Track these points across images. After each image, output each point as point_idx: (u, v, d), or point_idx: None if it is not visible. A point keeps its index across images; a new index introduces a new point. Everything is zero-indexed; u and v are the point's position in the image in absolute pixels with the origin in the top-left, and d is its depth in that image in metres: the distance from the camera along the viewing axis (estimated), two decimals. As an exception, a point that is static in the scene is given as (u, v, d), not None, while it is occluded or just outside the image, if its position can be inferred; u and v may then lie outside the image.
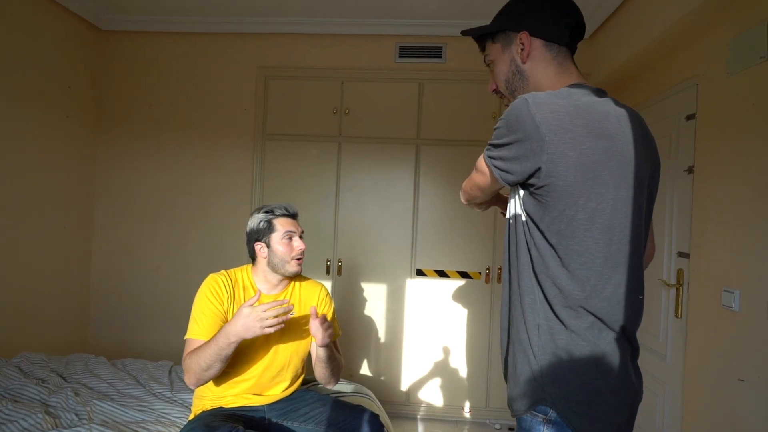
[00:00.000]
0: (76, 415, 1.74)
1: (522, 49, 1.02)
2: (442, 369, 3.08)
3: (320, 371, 1.67)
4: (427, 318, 3.09)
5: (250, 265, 1.73)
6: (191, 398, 1.90)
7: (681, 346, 2.16)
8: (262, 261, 1.67)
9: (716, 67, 1.94)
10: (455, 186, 2.86)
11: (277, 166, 3.15)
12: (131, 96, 3.20)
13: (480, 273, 3.05)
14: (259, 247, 1.66)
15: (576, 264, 0.90)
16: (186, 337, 1.56)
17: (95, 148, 3.19)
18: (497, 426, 2.99)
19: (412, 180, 3.10)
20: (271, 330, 1.40)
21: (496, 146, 0.94)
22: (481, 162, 1.00)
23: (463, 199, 1.17)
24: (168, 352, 3.01)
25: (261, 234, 1.65)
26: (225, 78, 3.16)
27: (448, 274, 3.07)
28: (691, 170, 2.12)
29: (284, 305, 1.42)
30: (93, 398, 1.86)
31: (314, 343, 1.66)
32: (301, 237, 1.69)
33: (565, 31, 1.01)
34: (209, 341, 1.45)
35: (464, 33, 1.12)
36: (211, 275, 1.65)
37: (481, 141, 3.02)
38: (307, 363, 1.80)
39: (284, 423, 1.65)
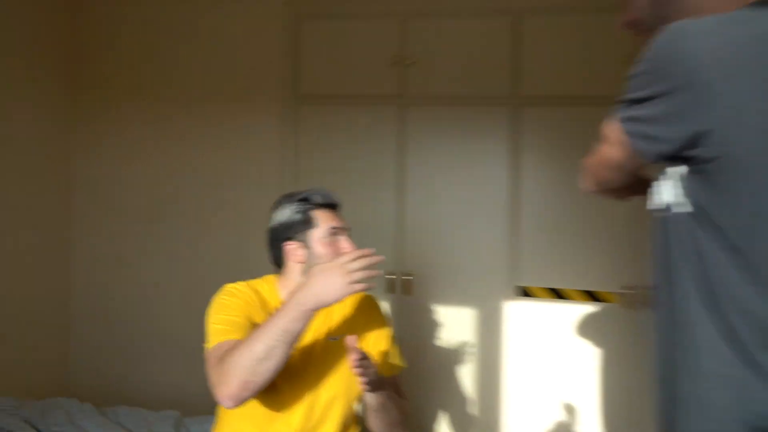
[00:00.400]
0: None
1: None
2: (564, 428, 3.00)
3: (373, 422, 1.66)
4: (537, 358, 3.01)
5: (273, 276, 1.75)
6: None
7: None
8: (295, 268, 1.66)
9: None
10: (575, 163, 2.75)
11: (315, 140, 3.18)
12: (117, 51, 3.33)
13: (617, 294, 2.94)
14: (293, 248, 1.65)
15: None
16: (211, 344, 1.52)
17: (71, 121, 3.33)
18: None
19: (508, 157, 3.05)
20: (360, 288, 1.40)
21: (633, 102, 0.93)
22: (612, 128, 0.99)
23: (587, 185, 1.16)
24: (174, 398, 3.07)
25: (295, 230, 1.65)
26: (242, 21, 3.23)
27: (567, 294, 2.99)
28: None
29: (374, 254, 1.44)
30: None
31: None
32: (349, 236, 1.70)
33: None
34: (265, 322, 1.43)
35: None
36: (227, 285, 1.67)
37: (611, 98, 2.91)
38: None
39: None
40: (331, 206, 1.71)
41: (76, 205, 3.35)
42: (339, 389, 1.68)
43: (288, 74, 3.19)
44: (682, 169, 0.93)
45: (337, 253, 1.60)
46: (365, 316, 1.78)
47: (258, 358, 1.35)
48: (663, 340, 1.01)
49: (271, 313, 1.54)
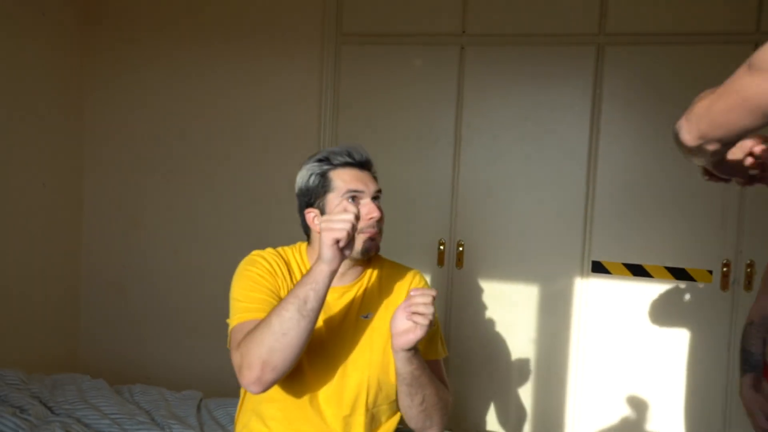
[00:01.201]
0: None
1: None
2: (639, 428, 2.96)
3: (405, 404, 1.61)
4: (613, 343, 2.98)
5: (304, 244, 1.76)
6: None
7: None
8: (317, 237, 1.63)
9: None
10: (667, 119, 2.61)
11: (359, 86, 3.18)
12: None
13: (711, 272, 2.87)
14: (312, 216, 1.65)
15: None
16: (233, 323, 1.55)
17: (83, 59, 3.31)
18: None
19: (587, 109, 3.00)
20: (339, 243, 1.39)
21: None
22: None
23: (687, 137, 1.04)
24: (195, 376, 3.11)
25: (313, 195, 1.65)
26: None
27: (651, 272, 2.93)
28: None
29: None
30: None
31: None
32: (376, 198, 1.65)
33: None
34: (292, 291, 1.44)
35: None
36: (254, 251, 1.69)
37: (728, 34, 2.87)
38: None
39: None
40: (355, 164, 1.66)
41: (89, 162, 3.36)
42: (372, 372, 1.65)
43: (329, 9, 3.15)
44: None
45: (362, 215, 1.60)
46: (405, 288, 1.73)
47: (276, 334, 1.38)
48: None
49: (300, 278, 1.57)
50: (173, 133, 3.29)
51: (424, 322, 1.39)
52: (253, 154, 3.23)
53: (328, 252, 1.37)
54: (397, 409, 1.75)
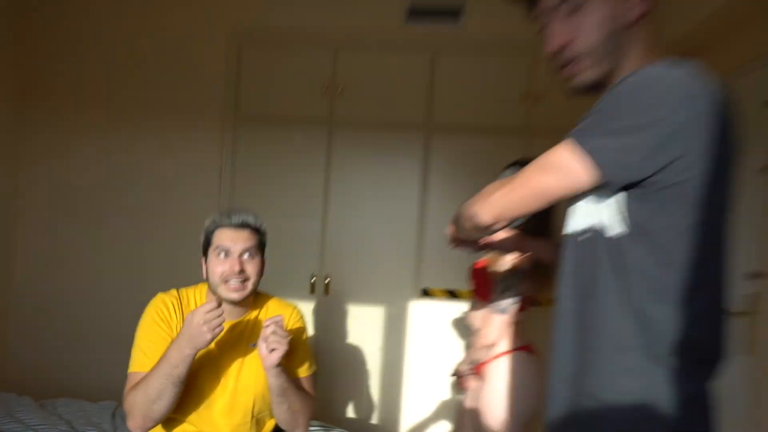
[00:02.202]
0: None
1: (632, 5, 0.97)
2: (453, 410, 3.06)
3: (276, 410, 1.61)
4: (435, 348, 3.10)
5: (206, 285, 1.71)
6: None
7: (749, 389, 2.20)
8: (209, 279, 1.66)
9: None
10: (476, 185, 2.84)
11: (252, 156, 3.16)
12: (64, 62, 3.18)
13: None
14: (202, 263, 1.66)
15: (694, 286, 0.90)
16: (130, 370, 1.56)
17: (18, 127, 3.16)
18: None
19: (419, 177, 3.11)
20: (218, 332, 1.42)
21: (609, 132, 0.88)
22: (562, 157, 0.92)
23: (484, 217, 1.05)
24: (111, 389, 2.92)
25: (204, 247, 1.66)
26: (188, 43, 3.16)
27: (460, 295, 3.05)
28: (766, 170, 2.17)
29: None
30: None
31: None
32: (246, 255, 1.62)
33: None
34: (158, 364, 1.46)
35: None
36: (159, 295, 1.67)
37: (508, 128, 3.06)
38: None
39: None
40: (232, 226, 1.64)
41: (22, 206, 3.19)
42: (258, 389, 1.65)
43: (229, 95, 3.15)
44: (622, 196, 0.92)
45: (215, 269, 1.59)
46: (285, 319, 1.70)
47: (151, 399, 1.44)
48: (571, 343, 1.00)
49: None
50: (98, 186, 3.16)
51: (277, 345, 1.43)
52: (165, 207, 3.15)
53: (202, 344, 1.41)
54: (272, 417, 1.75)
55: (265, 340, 1.44)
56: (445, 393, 3.09)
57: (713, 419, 0.93)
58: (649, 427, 0.91)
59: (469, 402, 2.07)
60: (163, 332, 1.58)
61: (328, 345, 3.13)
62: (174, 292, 1.68)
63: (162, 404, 1.45)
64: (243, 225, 1.65)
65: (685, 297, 0.89)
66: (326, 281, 3.12)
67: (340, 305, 3.15)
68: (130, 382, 1.53)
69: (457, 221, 1.15)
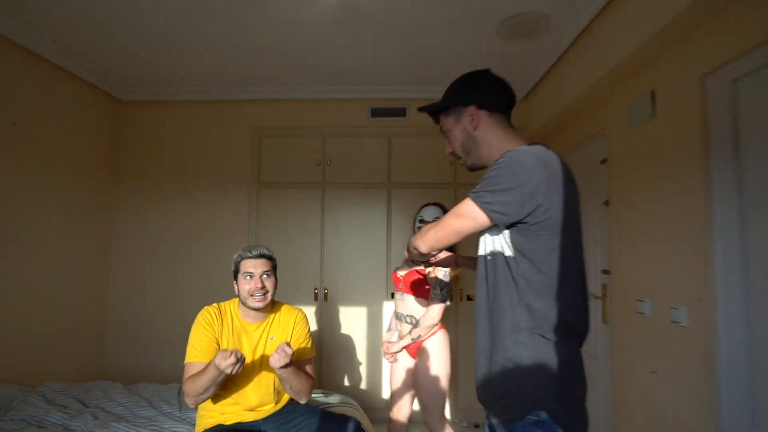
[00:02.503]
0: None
1: (472, 119, 1.08)
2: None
3: (284, 387, 1.61)
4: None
5: (237, 299, 1.71)
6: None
7: (609, 347, 2.24)
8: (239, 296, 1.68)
9: (620, 122, 2.10)
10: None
11: (271, 209, 3.16)
12: (144, 155, 3.23)
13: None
14: (234, 284, 1.67)
15: (560, 284, 0.92)
16: (186, 361, 1.56)
17: (114, 200, 3.19)
18: (464, 424, 3.01)
19: (385, 218, 3.15)
20: (231, 370, 1.38)
21: (493, 192, 0.92)
22: (468, 208, 0.96)
23: (423, 249, 1.08)
24: (177, 376, 2.93)
25: (234, 273, 1.66)
26: (225, 137, 3.22)
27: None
28: (607, 203, 2.25)
29: (238, 356, 1.41)
30: (110, 421, 1.84)
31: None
32: (265, 276, 1.62)
33: (503, 102, 1.09)
34: (204, 371, 1.44)
35: (420, 110, 1.18)
36: (205, 308, 1.65)
37: (442, 183, 3.14)
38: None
39: None
40: (252, 257, 1.64)
41: (114, 253, 3.18)
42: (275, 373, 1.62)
43: (254, 169, 3.19)
44: (507, 231, 0.95)
45: (244, 288, 1.60)
46: (292, 321, 1.74)
47: (198, 392, 1.46)
48: (485, 330, 1.00)
49: (232, 323, 1.65)
50: (167, 238, 3.15)
51: (284, 359, 1.45)
52: (212, 250, 3.13)
53: (223, 372, 1.38)
54: None
55: (278, 353, 1.47)
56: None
57: (582, 373, 0.97)
58: (537, 380, 0.92)
59: (403, 368, 2.07)
60: (208, 333, 1.59)
61: (329, 336, 3.11)
62: (215, 305, 1.68)
63: (206, 395, 1.48)
64: (261, 255, 1.66)
65: (556, 294, 0.93)
66: (325, 291, 3.12)
67: (335, 308, 3.14)
68: (187, 370, 1.53)
69: (408, 250, 1.19)
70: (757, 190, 1.42)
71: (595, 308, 2.39)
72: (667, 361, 1.75)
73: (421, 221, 2.05)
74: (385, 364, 3.08)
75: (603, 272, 2.32)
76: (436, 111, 1.17)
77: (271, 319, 1.71)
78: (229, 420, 1.61)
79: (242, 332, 1.65)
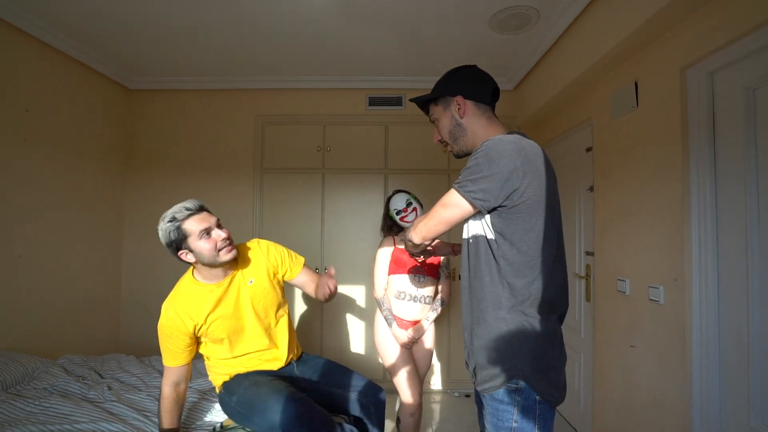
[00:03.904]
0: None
1: (459, 108, 1.09)
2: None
3: (320, 294, 1.53)
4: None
5: (189, 272, 1.44)
6: (206, 383, 1.93)
7: (591, 323, 2.28)
8: (196, 265, 1.39)
9: (605, 112, 2.11)
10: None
11: (273, 193, 3.16)
12: (153, 141, 3.21)
13: None
14: (185, 254, 1.34)
15: (539, 263, 0.94)
16: (165, 364, 1.40)
17: (124, 185, 3.18)
18: (456, 394, 3.07)
19: (382, 202, 3.12)
20: None
21: (474, 180, 0.93)
22: (454, 198, 0.97)
23: (417, 240, 1.08)
24: None
25: (178, 243, 1.32)
26: (230, 125, 3.19)
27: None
28: (591, 189, 2.27)
29: None
30: (124, 391, 1.86)
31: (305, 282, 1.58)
32: (219, 226, 1.35)
33: (487, 94, 1.10)
34: (167, 419, 1.34)
35: (412, 101, 1.19)
36: (166, 308, 1.38)
37: (436, 170, 3.12)
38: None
39: (303, 376, 1.55)
40: (195, 211, 1.34)
41: (126, 235, 3.18)
42: (271, 311, 1.51)
43: (257, 156, 3.18)
44: (488, 215, 0.97)
45: (214, 243, 1.32)
46: (261, 254, 1.52)
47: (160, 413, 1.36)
48: (469, 306, 1.03)
49: (208, 300, 1.40)
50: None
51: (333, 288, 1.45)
52: None
53: None
54: (284, 310, 1.60)
55: (328, 280, 1.46)
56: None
57: (560, 347, 0.99)
58: (516, 353, 0.94)
59: (412, 339, 1.96)
60: (174, 339, 1.38)
61: (331, 309, 3.13)
62: (174, 307, 1.39)
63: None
64: (201, 208, 1.38)
65: (535, 272, 0.94)
66: (326, 269, 3.09)
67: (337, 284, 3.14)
68: (164, 372, 1.38)
69: (405, 245, 1.19)
70: (730, 178, 1.43)
71: (579, 287, 2.42)
72: (644, 336, 1.79)
73: (397, 212, 1.98)
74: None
75: (587, 254, 2.34)
76: (426, 102, 1.18)
77: (238, 268, 1.48)
78: (253, 367, 1.50)
79: (215, 303, 1.41)
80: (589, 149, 2.31)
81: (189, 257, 1.35)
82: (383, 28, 2.34)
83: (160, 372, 2.13)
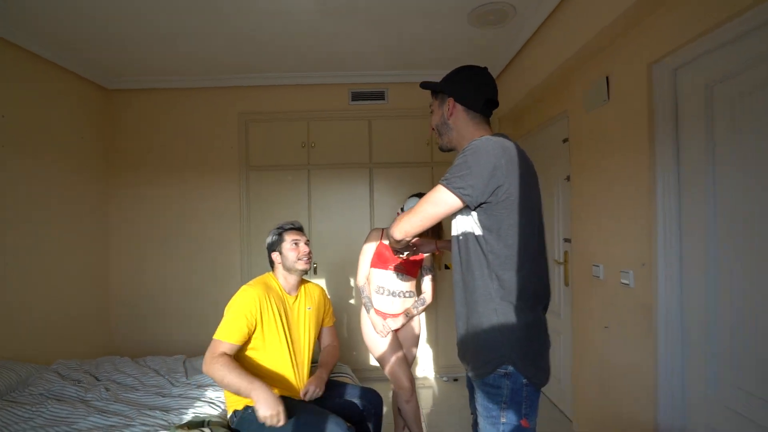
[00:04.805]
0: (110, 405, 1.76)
1: (448, 109, 1.13)
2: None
3: (322, 354, 1.74)
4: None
5: (270, 273, 1.70)
6: (204, 379, 1.97)
7: (569, 306, 2.38)
8: (278, 266, 1.66)
9: (580, 105, 2.17)
10: (402, 196, 3.01)
11: (260, 190, 3.16)
12: (135, 142, 3.16)
13: None
14: (275, 255, 1.66)
15: (525, 257, 0.97)
16: (215, 336, 1.43)
17: (108, 186, 3.14)
18: (445, 378, 3.16)
19: (368, 195, 3.17)
20: (266, 422, 1.32)
21: (462, 176, 0.96)
22: (441, 194, 0.99)
23: (398, 236, 1.08)
24: (180, 347, 3.00)
25: (275, 245, 1.67)
26: (214, 123, 3.16)
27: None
28: (568, 179, 2.34)
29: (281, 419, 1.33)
30: (122, 391, 1.89)
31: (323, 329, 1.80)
32: (306, 243, 1.69)
33: (479, 103, 1.12)
34: (240, 378, 1.34)
35: (422, 85, 1.21)
36: (248, 290, 1.52)
37: (420, 162, 3.16)
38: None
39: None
40: (294, 228, 1.71)
41: (112, 238, 3.15)
42: (312, 336, 1.70)
43: (242, 153, 3.16)
44: (475, 213, 1.00)
45: (298, 251, 1.63)
46: (318, 295, 1.78)
47: (222, 384, 1.36)
48: (461, 298, 1.04)
49: (277, 296, 1.59)
50: (163, 220, 3.13)
51: (318, 392, 1.57)
52: (207, 230, 3.13)
53: (264, 408, 1.30)
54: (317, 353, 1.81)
55: (312, 384, 1.57)
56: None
57: (545, 333, 1.03)
58: (505, 340, 0.98)
59: (396, 331, 2.01)
60: (245, 319, 1.47)
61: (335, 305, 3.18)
62: (260, 284, 1.57)
63: (224, 387, 1.40)
64: (300, 228, 1.73)
65: (521, 265, 0.98)
66: (315, 266, 3.15)
67: (324, 280, 3.17)
68: (213, 346, 1.41)
69: (387, 238, 1.21)
70: (693, 172, 1.51)
71: (558, 273, 2.52)
72: (616, 317, 1.90)
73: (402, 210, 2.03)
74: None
75: (565, 240, 2.43)
76: (432, 88, 1.20)
77: (302, 290, 1.72)
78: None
79: (283, 305, 1.62)
80: (565, 140, 2.38)
81: (276, 257, 1.66)
82: (363, 24, 2.35)
83: (156, 371, 2.16)
